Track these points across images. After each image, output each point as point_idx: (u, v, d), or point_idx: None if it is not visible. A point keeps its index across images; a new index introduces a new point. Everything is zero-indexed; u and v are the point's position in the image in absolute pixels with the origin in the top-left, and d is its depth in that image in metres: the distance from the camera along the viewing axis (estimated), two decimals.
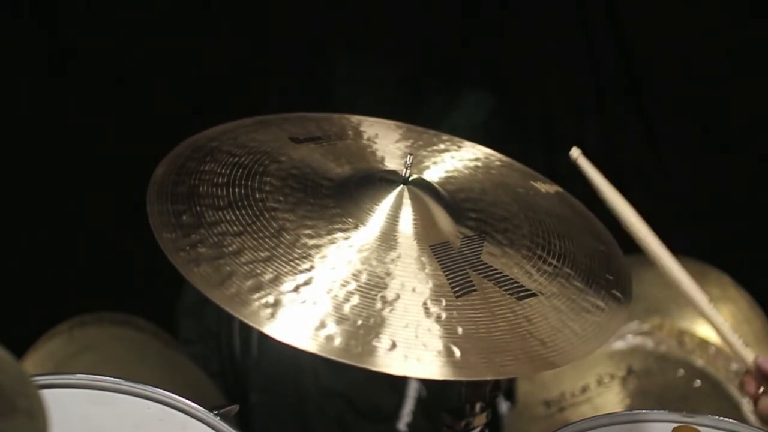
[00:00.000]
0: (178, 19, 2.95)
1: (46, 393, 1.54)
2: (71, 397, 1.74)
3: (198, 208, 1.69)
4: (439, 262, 1.67)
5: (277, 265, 1.61)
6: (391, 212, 1.72)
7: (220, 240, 1.64)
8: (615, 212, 1.77)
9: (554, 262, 1.76)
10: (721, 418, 1.84)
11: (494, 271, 1.68)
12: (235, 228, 1.66)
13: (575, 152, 1.77)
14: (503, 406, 2.81)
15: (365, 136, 1.95)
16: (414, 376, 1.57)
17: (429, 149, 1.95)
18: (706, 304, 1.74)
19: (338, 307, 1.57)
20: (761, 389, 1.70)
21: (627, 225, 1.75)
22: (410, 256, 1.67)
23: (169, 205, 1.69)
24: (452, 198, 1.81)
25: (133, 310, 2.79)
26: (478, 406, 1.80)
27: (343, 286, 1.60)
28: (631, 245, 1.79)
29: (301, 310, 1.56)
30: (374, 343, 1.54)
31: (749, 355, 1.70)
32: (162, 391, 1.75)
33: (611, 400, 2.73)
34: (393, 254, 1.66)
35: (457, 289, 1.64)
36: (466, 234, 1.74)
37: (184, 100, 2.97)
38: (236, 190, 1.73)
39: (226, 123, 1.93)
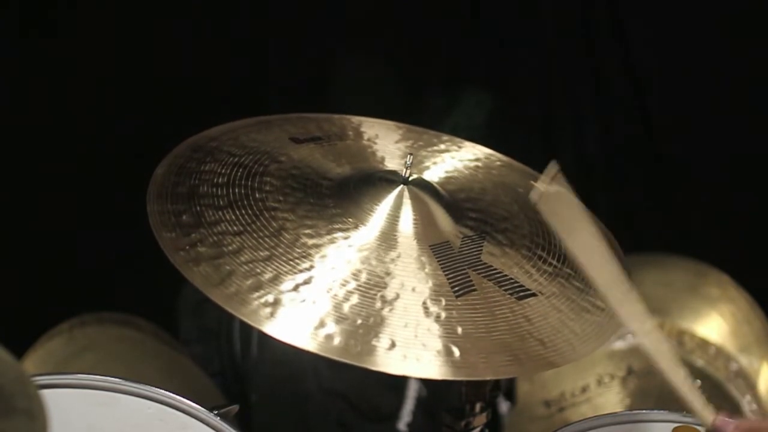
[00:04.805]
0: (178, 18, 2.95)
1: (46, 393, 1.54)
2: (71, 397, 1.73)
3: (198, 208, 1.69)
4: (438, 261, 1.67)
5: (276, 264, 1.61)
6: (391, 212, 1.71)
7: (220, 239, 1.64)
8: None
9: (554, 262, 1.75)
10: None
11: (494, 271, 1.68)
12: (234, 227, 1.66)
13: (535, 194, 1.52)
14: (503, 406, 2.81)
15: (365, 136, 1.94)
16: (413, 375, 1.57)
17: (429, 149, 1.95)
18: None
19: (338, 307, 1.57)
20: None
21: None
22: (410, 256, 1.66)
23: (169, 205, 1.69)
24: (452, 198, 1.81)
25: (133, 310, 2.79)
26: (478, 406, 1.80)
27: (343, 285, 1.60)
28: (630, 246, 1.79)
29: (301, 309, 1.56)
30: (373, 342, 1.54)
31: (709, 416, 1.58)
32: (162, 391, 1.75)
33: (611, 400, 2.73)
34: (393, 254, 1.66)
35: (456, 288, 1.64)
36: (466, 234, 1.74)
37: (184, 100, 2.97)
38: (236, 190, 1.73)
39: (227, 123, 1.92)
